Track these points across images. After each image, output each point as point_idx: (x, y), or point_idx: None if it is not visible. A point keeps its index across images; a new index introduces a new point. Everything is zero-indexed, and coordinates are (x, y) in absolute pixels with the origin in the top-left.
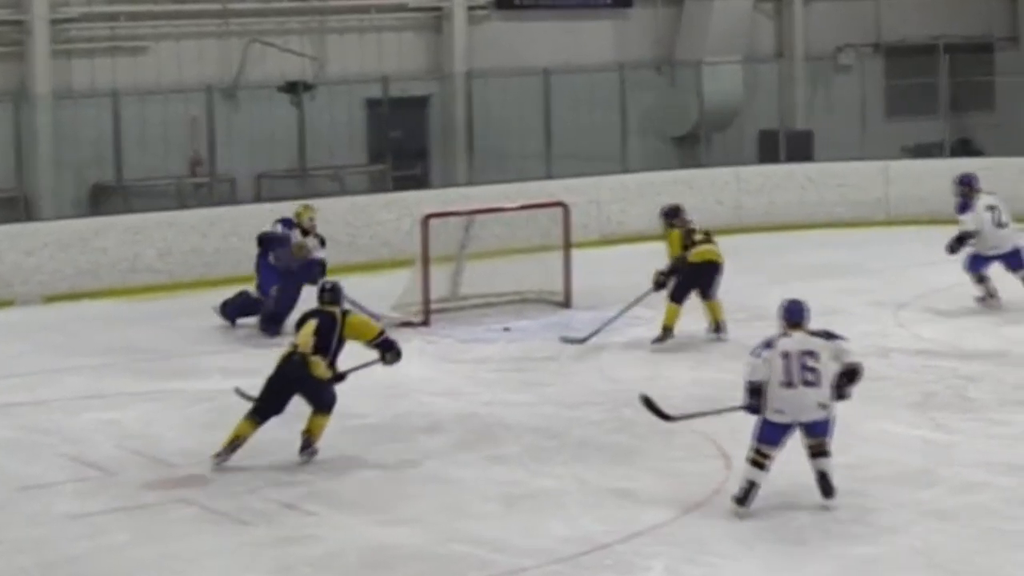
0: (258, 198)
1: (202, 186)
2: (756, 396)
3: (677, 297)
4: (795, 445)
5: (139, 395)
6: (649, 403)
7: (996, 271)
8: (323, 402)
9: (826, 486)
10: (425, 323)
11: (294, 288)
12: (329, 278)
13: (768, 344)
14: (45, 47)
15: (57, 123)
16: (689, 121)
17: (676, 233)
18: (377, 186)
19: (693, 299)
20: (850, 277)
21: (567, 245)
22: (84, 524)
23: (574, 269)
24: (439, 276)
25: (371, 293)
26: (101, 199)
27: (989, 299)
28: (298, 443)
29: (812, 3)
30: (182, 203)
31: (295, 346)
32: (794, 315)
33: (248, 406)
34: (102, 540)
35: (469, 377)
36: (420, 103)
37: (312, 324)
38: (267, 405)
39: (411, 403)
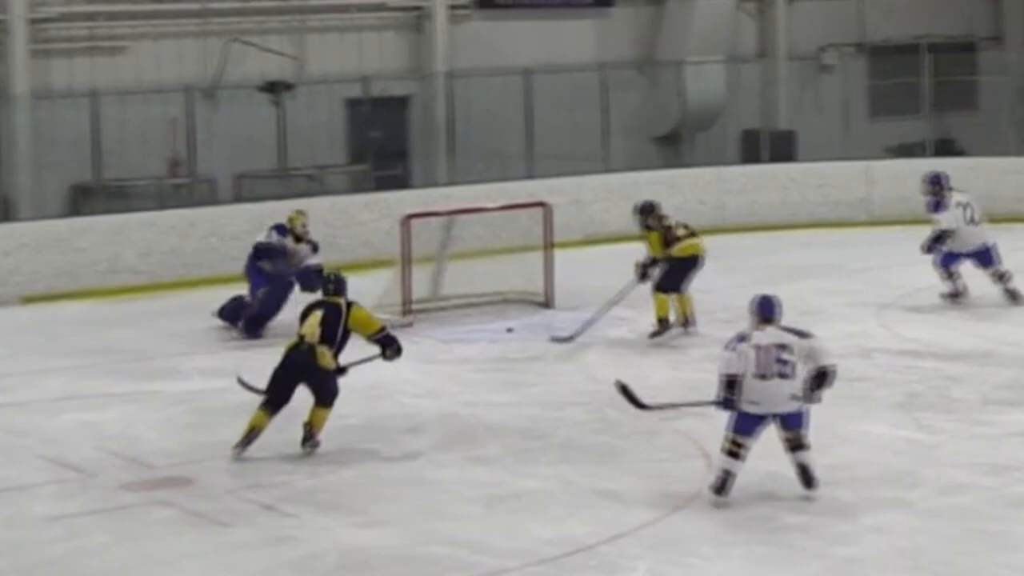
0: (238, 198)
1: (182, 186)
2: (731, 389)
3: (665, 288)
4: (776, 446)
5: (118, 396)
6: (625, 390)
7: (965, 268)
8: (326, 394)
9: (807, 477)
10: (408, 324)
11: (282, 293)
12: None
13: (741, 338)
14: (24, 47)
15: (36, 123)
16: (671, 121)
17: (655, 235)
18: (358, 186)
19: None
20: (832, 277)
21: (549, 245)
22: (62, 526)
23: (556, 269)
24: (420, 276)
25: (352, 294)
26: (80, 199)
27: (957, 296)
28: (300, 435)
29: (795, 3)
30: (162, 204)
31: (301, 336)
32: (766, 311)
33: (248, 395)
34: (80, 542)
35: (451, 378)
36: (401, 103)
37: (318, 314)
38: (277, 396)
39: (392, 404)
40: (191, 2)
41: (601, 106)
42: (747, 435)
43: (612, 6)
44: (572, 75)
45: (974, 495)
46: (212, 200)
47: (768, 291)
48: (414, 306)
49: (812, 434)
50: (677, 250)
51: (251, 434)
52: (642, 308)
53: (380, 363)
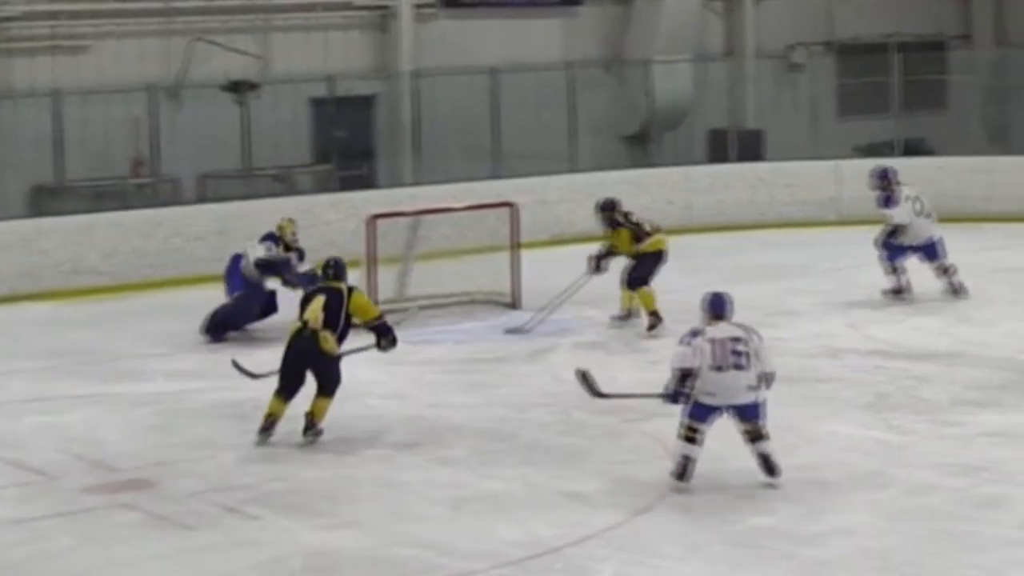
0: (202, 199)
1: (145, 187)
2: (682, 383)
3: (638, 282)
4: (743, 446)
5: (82, 398)
6: (585, 377)
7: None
8: (329, 382)
9: (769, 466)
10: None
11: (255, 304)
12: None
13: (695, 333)
14: None
15: None
16: (638, 120)
17: (625, 231)
18: (323, 186)
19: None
20: (801, 277)
21: (515, 245)
22: (24, 529)
23: (523, 269)
24: (386, 277)
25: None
26: (42, 200)
27: (900, 293)
28: (301, 424)
29: (763, 1)
30: (125, 204)
31: (305, 322)
32: (717, 308)
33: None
34: (43, 545)
35: (416, 379)
36: (366, 102)
37: (320, 299)
38: (289, 383)
39: (357, 405)
40: (154, 1)
41: (568, 105)
42: (702, 422)
43: (579, 5)
44: (539, 74)
45: (942, 496)
46: (176, 200)
47: (736, 291)
48: (380, 307)
49: (780, 435)
50: (647, 245)
51: (269, 420)
52: (609, 308)
53: (347, 363)
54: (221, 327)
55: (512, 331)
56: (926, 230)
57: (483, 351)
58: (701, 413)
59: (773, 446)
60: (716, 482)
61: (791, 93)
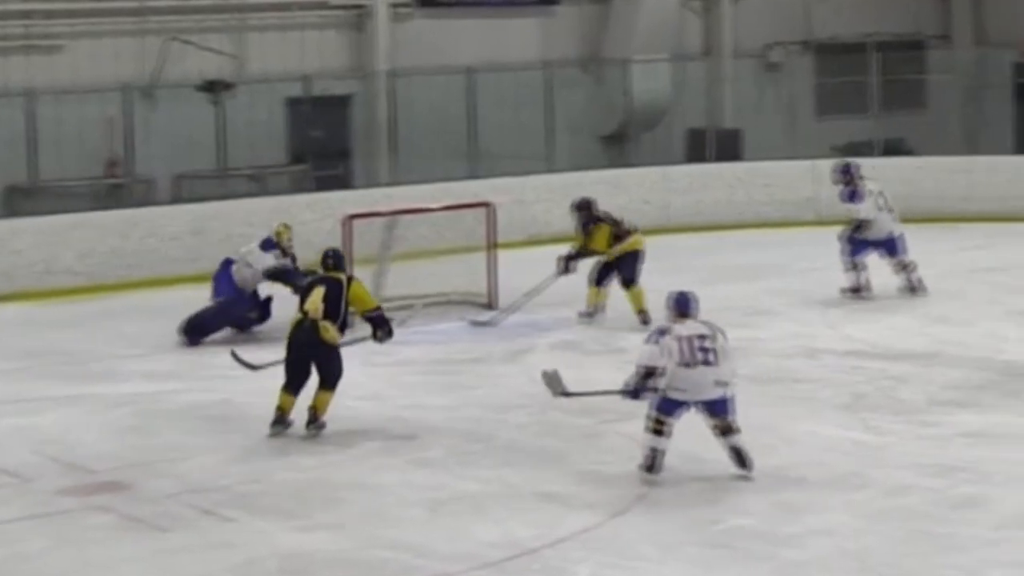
0: (177, 199)
1: (120, 187)
2: (644, 380)
3: (630, 283)
4: (721, 454)
5: (57, 399)
6: (551, 377)
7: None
8: (330, 375)
9: (741, 458)
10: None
11: (237, 313)
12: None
13: (662, 331)
14: None
15: None
16: (616, 120)
17: (605, 228)
18: (299, 186)
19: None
20: (779, 277)
21: (492, 245)
22: None
23: (499, 270)
24: (362, 277)
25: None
26: (15, 200)
27: (858, 291)
28: (305, 418)
29: (741, 0)
30: (99, 204)
31: (305, 312)
32: (682, 306)
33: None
34: (17, 547)
35: (393, 380)
36: (342, 102)
37: (320, 290)
38: (295, 376)
39: (333, 406)
40: (129, 0)
41: (545, 105)
42: (669, 415)
43: (556, 4)
44: (516, 74)
45: (920, 496)
46: (151, 200)
47: (714, 291)
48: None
49: (758, 435)
50: (624, 246)
51: (280, 414)
52: (574, 306)
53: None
54: (198, 331)
55: (477, 324)
56: (888, 226)
57: (460, 352)
58: (668, 407)
59: (744, 439)
60: (693, 483)
61: (769, 93)
